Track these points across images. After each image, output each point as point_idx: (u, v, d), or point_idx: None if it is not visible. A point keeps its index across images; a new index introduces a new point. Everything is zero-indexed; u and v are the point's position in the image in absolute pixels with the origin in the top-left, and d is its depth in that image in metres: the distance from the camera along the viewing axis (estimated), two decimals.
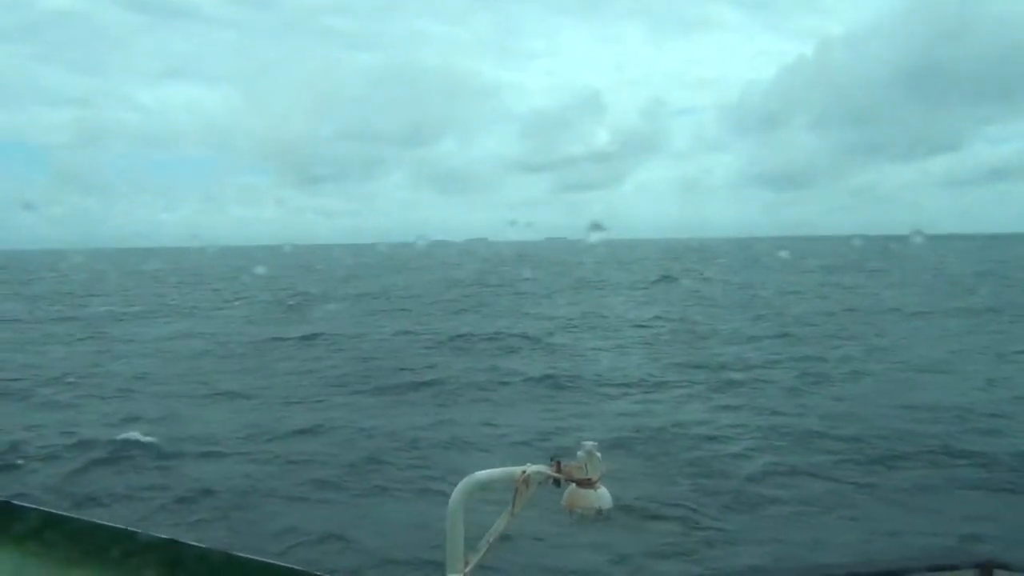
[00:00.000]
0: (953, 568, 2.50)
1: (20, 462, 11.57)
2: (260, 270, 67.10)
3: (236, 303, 39.86)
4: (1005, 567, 2.44)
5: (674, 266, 69.70)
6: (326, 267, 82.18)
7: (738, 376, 17.77)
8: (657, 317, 30.73)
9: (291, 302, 38.62)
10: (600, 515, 2.73)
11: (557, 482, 2.75)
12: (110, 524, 3.18)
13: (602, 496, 2.74)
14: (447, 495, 2.60)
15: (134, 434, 12.61)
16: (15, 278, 66.71)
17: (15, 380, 18.19)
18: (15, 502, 3.39)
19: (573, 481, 2.74)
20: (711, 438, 12.64)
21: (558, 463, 2.75)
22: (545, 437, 12.61)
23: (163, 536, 3.01)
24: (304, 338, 24.82)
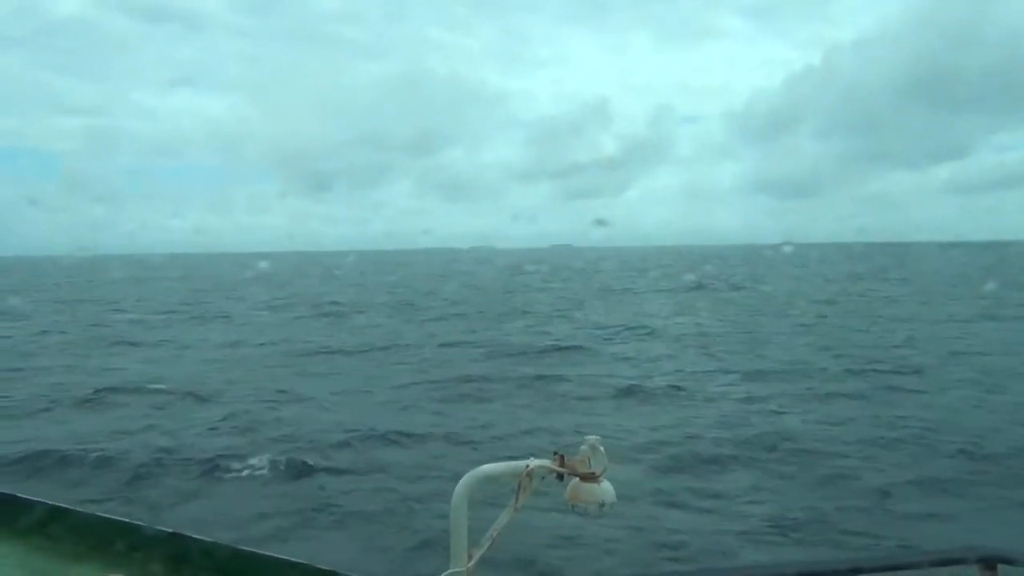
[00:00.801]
0: (957, 562, 2.45)
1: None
2: (270, 273, 66.91)
3: (264, 311, 39.68)
4: (1009, 561, 2.39)
5: (696, 273, 69.65)
6: (345, 274, 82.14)
7: (835, 387, 17.54)
8: (699, 323, 30.79)
9: (328, 309, 38.42)
10: (603, 509, 2.73)
11: (560, 476, 2.74)
12: (115, 517, 3.18)
13: (605, 490, 2.73)
14: None
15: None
16: (35, 284, 66.31)
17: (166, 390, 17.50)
18: (20, 495, 3.39)
19: (576, 475, 2.73)
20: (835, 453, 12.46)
21: (561, 457, 2.75)
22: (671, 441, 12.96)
23: (168, 529, 3.00)
24: (383, 348, 24.63)
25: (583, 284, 58.97)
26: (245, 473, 11.40)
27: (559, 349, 24.03)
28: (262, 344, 26.03)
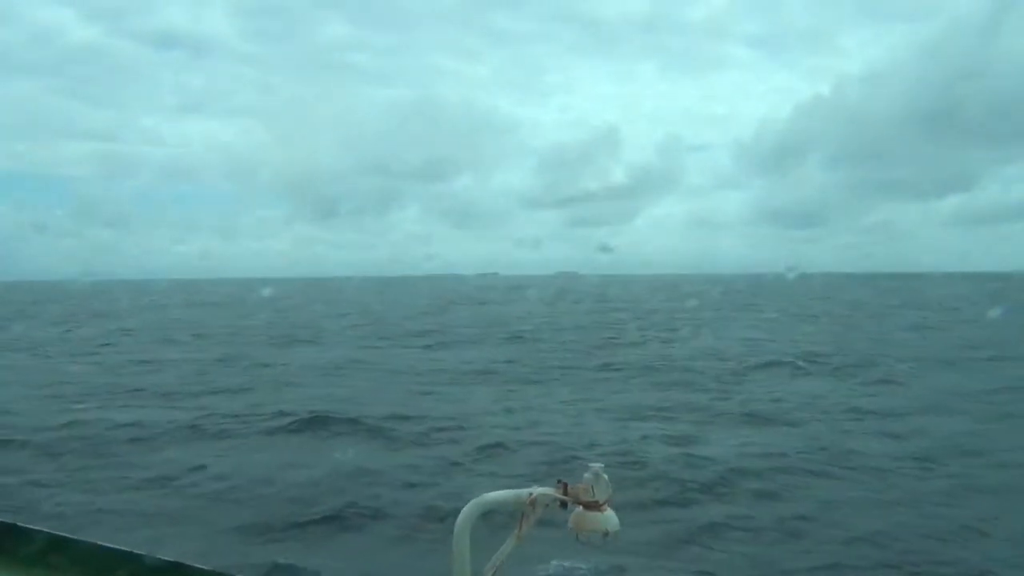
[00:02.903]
0: None
1: None
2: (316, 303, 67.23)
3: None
4: None
5: (741, 300, 70.01)
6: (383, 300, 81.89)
7: None
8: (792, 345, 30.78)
9: (429, 340, 37.34)
10: (607, 538, 2.70)
11: (564, 504, 2.72)
12: (116, 547, 3.10)
13: (609, 519, 2.70)
14: None
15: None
16: (73, 311, 64.66)
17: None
18: (20, 524, 3.29)
19: (580, 504, 2.71)
20: None
21: (565, 485, 2.74)
22: None
23: (168, 559, 2.96)
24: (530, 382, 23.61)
25: (650, 312, 58.07)
26: None
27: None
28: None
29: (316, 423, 16.23)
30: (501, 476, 11.94)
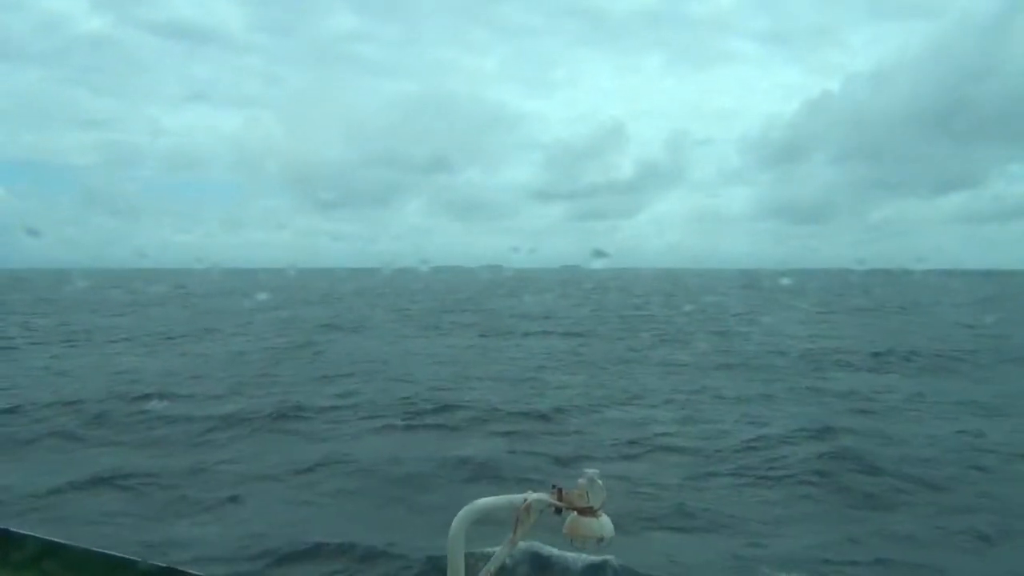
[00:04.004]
0: None
1: None
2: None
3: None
4: None
5: (779, 295, 69.47)
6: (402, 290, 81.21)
7: None
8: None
9: (530, 328, 37.47)
10: (601, 544, 2.72)
11: (559, 510, 2.72)
12: (109, 552, 3.15)
13: (604, 524, 2.71)
14: None
15: None
16: (106, 298, 64.22)
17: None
18: (13, 530, 3.35)
19: (574, 509, 2.71)
20: None
21: (559, 491, 2.73)
22: None
23: (161, 564, 3.00)
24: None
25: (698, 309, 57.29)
26: None
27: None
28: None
29: None
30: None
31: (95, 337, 32.31)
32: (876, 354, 26.05)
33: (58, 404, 17.33)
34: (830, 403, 17.95)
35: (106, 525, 10.13)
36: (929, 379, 21.57)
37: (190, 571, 2.99)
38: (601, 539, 2.72)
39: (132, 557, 3.08)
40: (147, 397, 17.84)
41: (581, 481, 2.73)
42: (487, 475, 12.17)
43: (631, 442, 14.40)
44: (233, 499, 11.15)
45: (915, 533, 9.92)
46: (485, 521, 2.62)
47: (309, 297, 65.21)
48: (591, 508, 2.72)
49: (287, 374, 21.73)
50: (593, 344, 30.80)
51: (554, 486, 2.75)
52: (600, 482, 2.73)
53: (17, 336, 32.75)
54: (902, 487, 11.74)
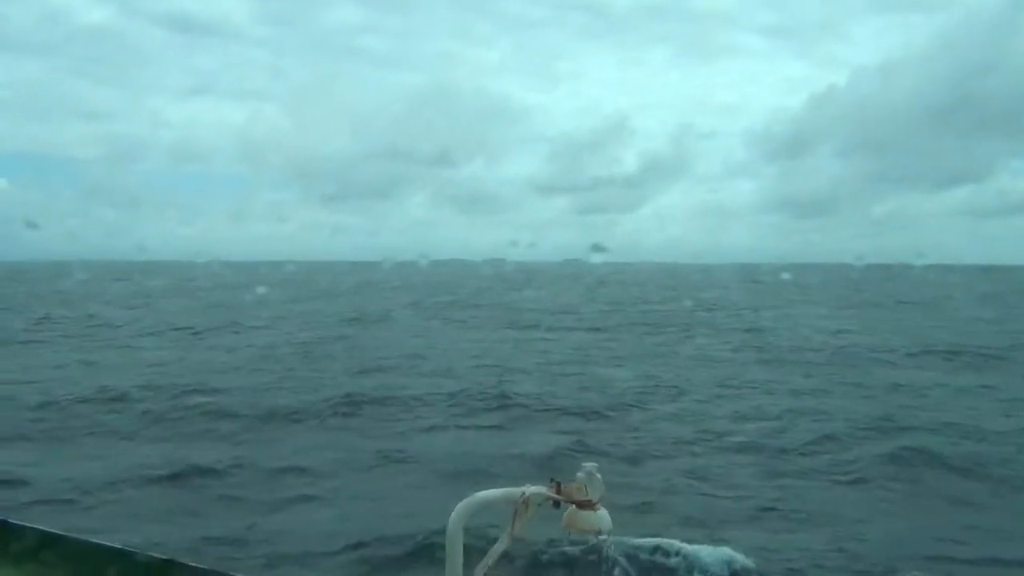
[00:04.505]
0: None
1: None
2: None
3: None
4: None
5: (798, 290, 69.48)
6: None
7: None
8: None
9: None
10: (600, 537, 2.73)
11: (557, 504, 2.73)
12: (108, 544, 3.11)
13: (602, 518, 2.72)
14: None
15: None
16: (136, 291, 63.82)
17: None
18: (12, 521, 3.29)
19: (573, 503, 2.72)
20: None
21: (558, 484, 2.74)
22: None
23: (162, 556, 2.97)
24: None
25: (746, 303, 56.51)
26: None
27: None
28: None
29: None
30: None
31: (122, 331, 31.99)
32: (911, 350, 26.03)
33: (96, 399, 17.10)
34: (884, 398, 17.88)
35: (162, 522, 9.91)
36: (973, 375, 21.48)
37: (190, 563, 2.93)
38: (599, 532, 2.71)
39: (131, 549, 3.03)
40: (189, 392, 17.65)
41: (580, 475, 2.72)
42: (556, 471, 11.97)
43: (694, 439, 14.26)
44: (299, 498, 10.96)
45: (1002, 527, 9.82)
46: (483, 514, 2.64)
47: (320, 291, 64.98)
48: (590, 501, 2.70)
49: (326, 368, 21.54)
50: (620, 338, 30.71)
51: (552, 479, 2.76)
52: (599, 476, 2.72)
53: (38, 329, 32.43)
54: (983, 484, 11.65)
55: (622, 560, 8.47)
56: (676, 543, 8.85)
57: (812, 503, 10.88)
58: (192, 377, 19.67)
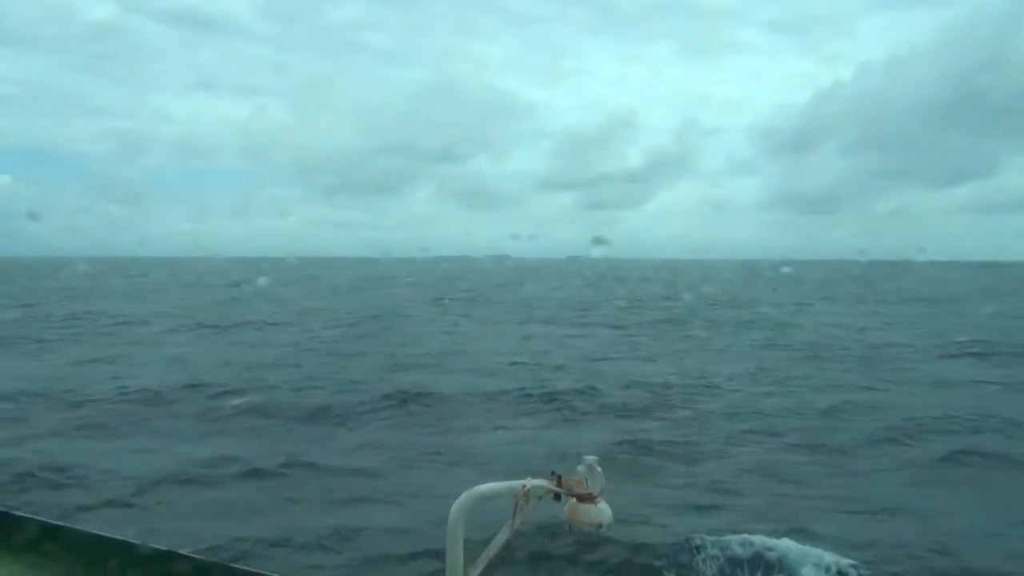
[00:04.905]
0: None
1: None
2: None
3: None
4: None
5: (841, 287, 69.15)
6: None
7: None
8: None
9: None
10: (600, 530, 2.74)
11: (558, 496, 2.75)
12: (109, 535, 3.17)
13: (603, 511, 2.73)
14: None
15: None
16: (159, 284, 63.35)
17: None
18: (13, 512, 3.37)
19: (573, 496, 2.73)
20: None
21: (559, 477, 2.75)
22: None
23: (162, 548, 3.00)
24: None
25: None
26: None
27: None
28: None
29: None
30: None
31: (148, 328, 31.63)
32: (942, 347, 26.06)
33: (133, 395, 16.90)
34: (931, 394, 17.76)
35: (221, 521, 9.72)
36: (1009, 371, 21.32)
37: (190, 554, 2.98)
38: (600, 525, 2.72)
39: (132, 540, 3.06)
40: (229, 391, 17.39)
41: (580, 468, 2.74)
42: (619, 470, 11.79)
43: (749, 435, 14.13)
44: (357, 499, 10.68)
45: None
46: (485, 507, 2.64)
47: (331, 287, 64.75)
48: (590, 495, 2.71)
49: (359, 366, 21.24)
50: (645, 335, 30.68)
51: (553, 472, 2.76)
52: (599, 469, 2.73)
53: (66, 327, 32.06)
54: None
55: (717, 555, 8.33)
56: (765, 539, 8.70)
57: (889, 499, 10.72)
58: (228, 375, 19.47)
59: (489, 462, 12.27)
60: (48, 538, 3.18)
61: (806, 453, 13.03)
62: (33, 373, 19.76)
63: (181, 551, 2.97)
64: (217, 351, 24.58)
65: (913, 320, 37.08)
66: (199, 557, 2.98)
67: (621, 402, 16.60)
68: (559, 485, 2.74)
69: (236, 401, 16.45)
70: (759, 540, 8.72)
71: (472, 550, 2.61)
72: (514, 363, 21.62)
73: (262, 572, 2.93)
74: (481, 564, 2.64)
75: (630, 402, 16.59)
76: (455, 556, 2.59)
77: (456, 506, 2.61)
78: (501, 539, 2.68)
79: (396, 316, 36.98)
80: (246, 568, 2.95)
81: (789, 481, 11.55)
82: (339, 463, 12.33)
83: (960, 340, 27.03)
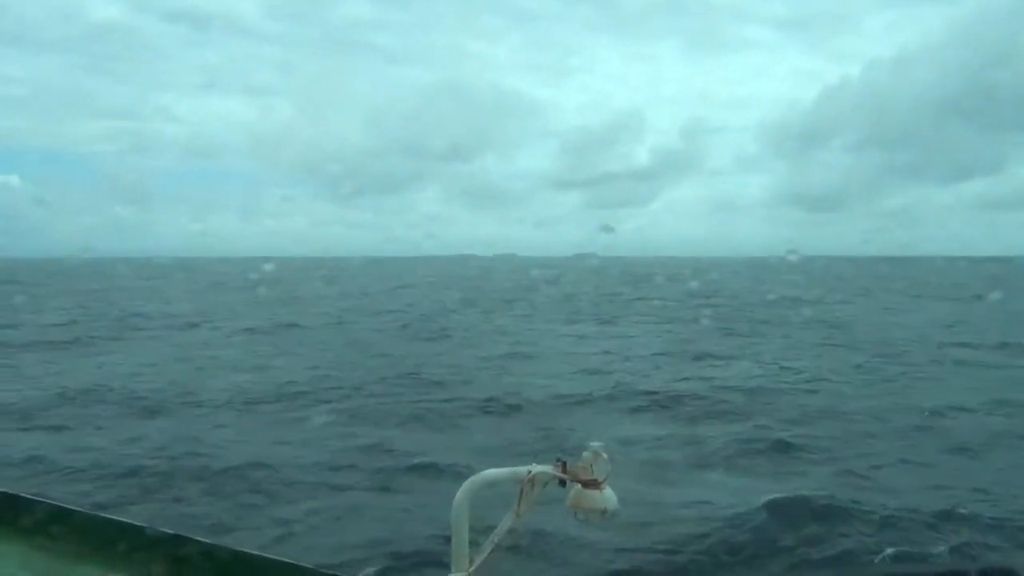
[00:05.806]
0: None
1: None
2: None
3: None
4: None
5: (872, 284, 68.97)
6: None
7: None
8: None
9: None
10: (605, 517, 2.74)
11: (563, 483, 2.74)
12: (116, 518, 3.18)
13: (608, 498, 2.73)
14: None
15: None
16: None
17: None
18: (22, 494, 3.39)
19: (579, 482, 2.73)
20: None
21: (563, 464, 2.75)
22: None
23: (169, 531, 3.01)
24: None
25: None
26: None
27: None
28: None
29: None
30: None
31: (216, 329, 30.46)
32: (998, 343, 25.86)
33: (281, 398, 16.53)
34: None
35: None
36: None
37: (197, 538, 2.99)
38: (605, 512, 2.72)
39: (139, 523, 3.08)
40: (331, 388, 17.33)
41: (586, 454, 2.73)
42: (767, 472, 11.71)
43: (880, 436, 13.81)
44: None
45: None
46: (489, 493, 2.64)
47: (359, 288, 64.22)
48: (595, 481, 2.71)
49: (436, 368, 20.61)
50: (704, 331, 29.78)
51: (558, 459, 2.76)
52: (605, 455, 2.72)
53: (125, 327, 30.96)
54: None
55: None
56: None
57: None
58: (315, 373, 19.38)
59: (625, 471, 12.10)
60: (56, 520, 3.21)
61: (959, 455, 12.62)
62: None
63: (187, 534, 2.99)
64: (300, 350, 24.24)
65: (954, 316, 37.03)
66: (206, 540, 3.00)
67: (725, 399, 16.25)
68: (564, 471, 2.73)
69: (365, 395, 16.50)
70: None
71: (477, 536, 2.64)
72: (594, 368, 21.06)
73: (269, 555, 2.92)
74: (486, 549, 2.66)
75: (735, 401, 16.09)
76: (460, 541, 2.62)
77: (461, 492, 2.64)
78: (506, 525, 2.69)
79: (443, 316, 36.45)
80: (253, 552, 2.95)
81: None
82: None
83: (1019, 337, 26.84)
